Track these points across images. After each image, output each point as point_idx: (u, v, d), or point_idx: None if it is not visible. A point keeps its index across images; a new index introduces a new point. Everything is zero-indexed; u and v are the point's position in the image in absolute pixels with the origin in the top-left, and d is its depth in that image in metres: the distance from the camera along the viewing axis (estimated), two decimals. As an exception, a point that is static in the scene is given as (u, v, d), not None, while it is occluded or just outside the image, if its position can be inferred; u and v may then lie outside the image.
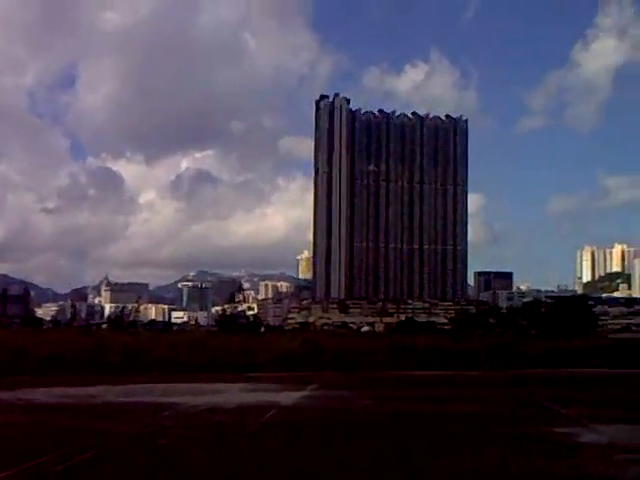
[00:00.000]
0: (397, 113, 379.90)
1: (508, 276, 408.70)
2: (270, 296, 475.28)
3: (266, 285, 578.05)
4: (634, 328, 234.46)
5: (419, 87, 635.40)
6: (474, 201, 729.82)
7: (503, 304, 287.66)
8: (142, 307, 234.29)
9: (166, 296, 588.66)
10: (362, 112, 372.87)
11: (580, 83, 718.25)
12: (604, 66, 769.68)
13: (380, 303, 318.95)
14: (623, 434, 18.31)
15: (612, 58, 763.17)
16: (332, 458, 14.79)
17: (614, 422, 20.77)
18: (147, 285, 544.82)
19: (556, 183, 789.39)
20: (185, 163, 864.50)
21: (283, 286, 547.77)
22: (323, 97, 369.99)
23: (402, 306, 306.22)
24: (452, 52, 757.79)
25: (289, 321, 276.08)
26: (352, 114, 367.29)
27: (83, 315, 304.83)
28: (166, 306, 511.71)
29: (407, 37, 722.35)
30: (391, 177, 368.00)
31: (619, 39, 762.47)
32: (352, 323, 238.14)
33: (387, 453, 15.36)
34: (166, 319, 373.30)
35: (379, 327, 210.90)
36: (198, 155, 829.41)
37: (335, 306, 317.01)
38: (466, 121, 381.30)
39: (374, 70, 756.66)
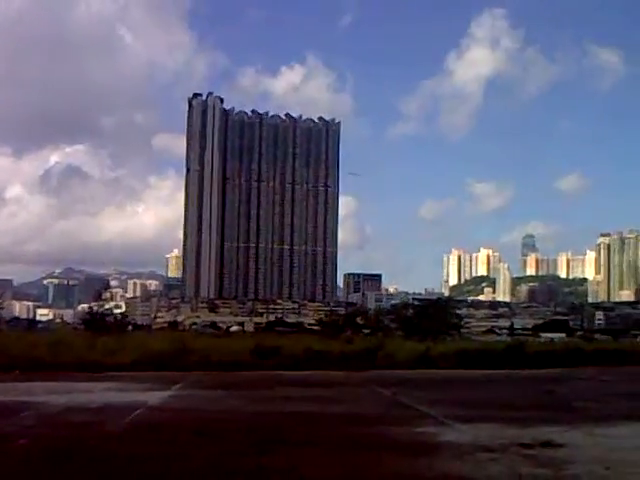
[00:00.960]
0: (271, 114, 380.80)
1: (377, 278, 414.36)
2: (139, 294, 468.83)
3: (135, 283, 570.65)
4: (498, 330, 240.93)
5: (295, 89, 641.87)
6: (346, 204, 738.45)
7: (372, 306, 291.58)
8: (5, 303, 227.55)
9: (31, 293, 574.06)
10: (235, 112, 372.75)
11: (453, 91, 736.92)
12: (476, 75, 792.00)
13: (250, 303, 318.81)
14: (485, 433, 18.69)
15: (484, 68, 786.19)
16: (188, 459, 14.63)
17: (477, 422, 21.19)
18: (11, 281, 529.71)
19: (427, 188, 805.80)
20: (55, 158, 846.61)
21: (152, 285, 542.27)
22: (196, 95, 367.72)
23: (272, 306, 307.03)
24: (328, 56, 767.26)
25: (157, 320, 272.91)
26: (225, 113, 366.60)
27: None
28: (31, 303, 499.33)
29: (284, 39, 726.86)
30: (263, 177, 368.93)
31: (491, 49, 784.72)
32: (221, 323, 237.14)
33: (243, 456, 15.25)
34: (31, 316, 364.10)
35: (249, 327, 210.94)
36: (68, 150, 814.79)
37: (204, 305, 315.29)
38: (339, 124, 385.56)
39: (250, 70, 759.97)
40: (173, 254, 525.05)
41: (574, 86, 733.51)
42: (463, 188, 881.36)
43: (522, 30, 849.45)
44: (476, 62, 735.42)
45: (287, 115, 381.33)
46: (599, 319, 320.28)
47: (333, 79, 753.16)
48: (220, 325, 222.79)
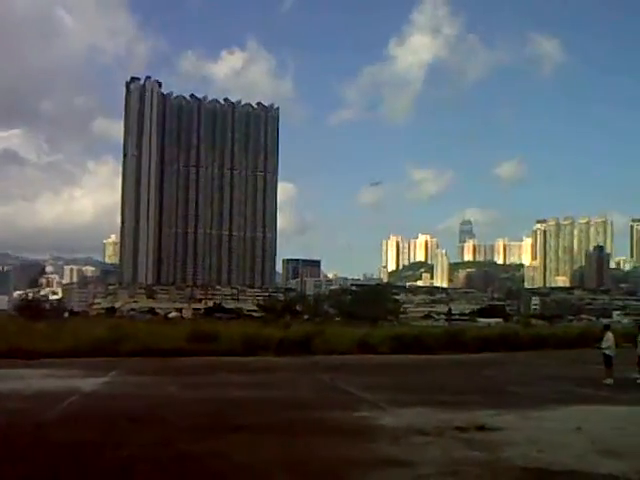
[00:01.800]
0: (209, 98, 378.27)
1: (316, 264, 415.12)
2: (75, 281, 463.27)
3: (71, 269, 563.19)
4: (435, 316, 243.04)
5: (235, 74, 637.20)
6: (286, 190, 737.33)
7: (311, 292, 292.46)
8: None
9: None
10: (173, 96, 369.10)
11: (394, 77, 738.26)
12: (417, 62, 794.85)
13: (189, 289, 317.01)
14: (422, 417, 18.87)
15: (425, 54, 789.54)
16: (122, 446, 14.55)
17: (414, 406, 21.38)
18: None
19: (367, 174, 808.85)
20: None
21: (89, 271, 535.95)
22: (134, 79, 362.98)
23: (211, 292, 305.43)
24: (269, 41, 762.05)
25: (94, 306, 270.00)
26: (163, 98, 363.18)
27: None
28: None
29: (225, 24, 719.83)
30: (201, 163, 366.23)
31: (432, 36, 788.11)
32: (159, 309, 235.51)
33: (177, 442, 15.22)
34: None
35: (187, 313, 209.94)
36: (4, 134, 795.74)
37: (142, 292, 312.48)
38: (277, 109, 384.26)
39: (191, 55, 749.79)
40: (110, 240, 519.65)
41: (514, 73, 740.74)
42: (403, 174, 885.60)
43: (463, 17, 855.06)
44: (417, 48, 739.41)
45: (226, 100, 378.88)
46: (535, 304, 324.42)
47: (274, 64, 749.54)
48: (158, 311, 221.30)
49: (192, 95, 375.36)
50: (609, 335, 32.40)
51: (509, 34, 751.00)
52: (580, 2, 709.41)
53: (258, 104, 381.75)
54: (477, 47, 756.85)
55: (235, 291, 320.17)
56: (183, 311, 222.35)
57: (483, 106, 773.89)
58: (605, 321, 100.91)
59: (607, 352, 31.47)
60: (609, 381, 30.15)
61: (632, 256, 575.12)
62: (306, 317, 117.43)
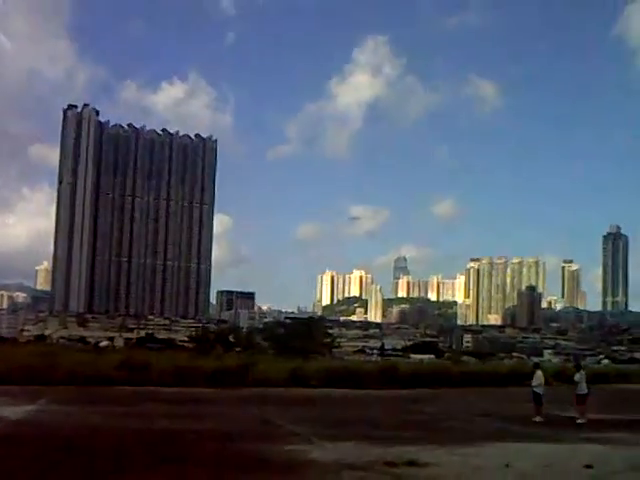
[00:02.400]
0: (147, 128, 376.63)
1: (251, 296, 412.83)
2: (5, 307, 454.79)
3: (2, 295, 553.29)
4: (368, 351, 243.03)
5: (175, 105, 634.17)
6: (223, 222, 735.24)
7: (244, 324, 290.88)
8: None
9: None
10: (111, 125, 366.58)
11: (334, 115, 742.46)
12: (358, 101, 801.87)
13: (120, 318, 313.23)
14: (352, 452, 18.82)
15: (366, 93, 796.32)
16: (45, 475, 14.27)
17: (345, 440, 21.32)
18: None
19: (305, 209, 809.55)
20: None
21: (19, 297, 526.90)
22: (71, 106, 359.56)
23: (143, 322, 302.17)
24: (211, 74, 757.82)
25: (24, 333, 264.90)
26: (100, 126, 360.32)
27: None
28: None
29: (166, 55, 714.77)
30: (137, 192, 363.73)
31: (373, 75, 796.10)
32: (91, 337, 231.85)
33: (99, 474, 14.97)
34: None
35: (119, 342, 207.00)
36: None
37: (73, 320, 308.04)
38: (215, 141, 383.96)
39: (131, 85, 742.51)
40: (42, 266, 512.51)
41: (451, 114, 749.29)
42: (340, 210, 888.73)
43: (403, 57, 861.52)
44: (358, 87, 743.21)
45: (164, 130, 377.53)
46: (467, 341, 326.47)
47: (214, 97, 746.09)
48: (89, 340, 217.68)
49: (130, 124, 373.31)
50: (539, 373, 32.78)
51: (447, 76, 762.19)
52: (517, 47, 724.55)
53: (196, 135, 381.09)
54: (416, 87, 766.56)
55: (168, 321, 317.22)
56: (114, 340, 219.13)
57: (421, 145, 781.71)
58: (535, 360, 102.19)
59: (537, 390, 31.82)
60: (538, 419, 30.45)
61: (563, 296, 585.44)
62: (239, 349, 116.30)
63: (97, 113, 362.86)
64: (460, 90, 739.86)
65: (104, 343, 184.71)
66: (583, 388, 31.27)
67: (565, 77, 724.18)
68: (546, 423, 29.31)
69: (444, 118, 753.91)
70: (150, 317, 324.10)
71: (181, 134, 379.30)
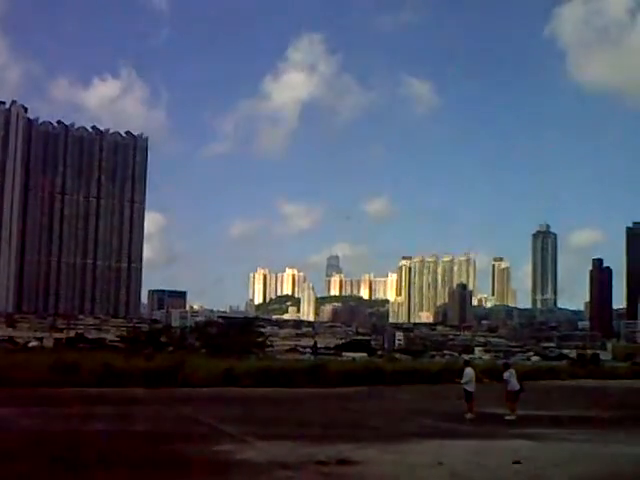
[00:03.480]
0: (77, 126, 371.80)
1: (182, 295, 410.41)
2: None
3: None
4: (301, 349, 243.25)
5: (107, 102, 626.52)
6: (154, 220, 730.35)
7: (176, 323, 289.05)
8: None
9: None
10: (40, 122, 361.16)
11: (269, 113, 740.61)
12: (292, 98, 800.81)
13: (50, 318, 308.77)
14: (283, 451, 18.75)
15: (300, 91, 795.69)
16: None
17: (276, 439, 21.26)
18: None
19: (238, 208, 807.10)
20: None
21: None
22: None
23: (73, 321, 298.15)
24: (144, 70, 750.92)
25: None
26: (29, 123, 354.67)
27: None
28: None
29: (98, 51, 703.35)
30: (67, 190, 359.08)
31: (308, 74, 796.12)
32: (19, 338, 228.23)
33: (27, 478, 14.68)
34: None
35: (48, 342, 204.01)
36: None
37: (2, 319, 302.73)
38: (147, 139, 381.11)
39: (62, 81, 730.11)
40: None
41: (386, 113, 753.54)
42: (273, 208, 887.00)
43: (339, 56, 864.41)
44: (293, 86, 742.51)
45: (94, 128, 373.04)
46: (399, 339, 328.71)
47: (147, 94, 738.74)
48: (18, 340, 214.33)
49: (59, 121, 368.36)
50: (468, 371, 33.06)
51: (383, 75, 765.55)
52: (452, 46, 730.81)
53: (127, 133, 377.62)
54: (351, 86, 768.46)
55: (98, 321, 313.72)
56: (44, 340, 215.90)
57: (355, 144, 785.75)
58: (466, 357, 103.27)
59: (467, 387, 32.11)
60: (470, 416, 30.73)
61: (493, 294, 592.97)
62: (170, 349, 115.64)
63: (25, 110, 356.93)
64: (395, 89, 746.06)
65: (33, 343, 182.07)
66: (514, 385, 31.66)
67: (499, 75, 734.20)
68: (477, 420, 29.59)
69: (379, 117, 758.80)
70: (80, 317, 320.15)
71: (111, 131, 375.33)
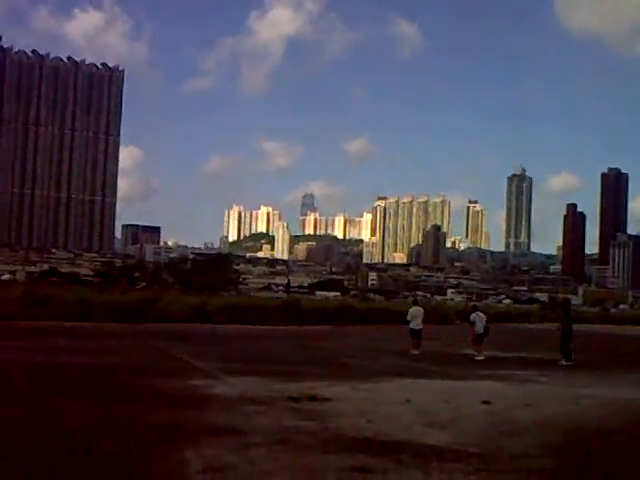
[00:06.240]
0: (52, 56, 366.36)
1: (156, 231, 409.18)
2: None
3: None
4: (275, 287, 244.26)
5: (88, 34, 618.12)
6: (131, 154, 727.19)
7: (150, 259, 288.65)
8: None
9: None
10: (14, 51, 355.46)
11: (253, 50, 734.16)
12: (277, 36, 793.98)
13: (23, 251, 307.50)
14: (255, 386, 18.90)
15: (285, 29, 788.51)
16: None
17: (247, 375, 21.40)
18: None
19: (217, 144, 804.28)
20: None
21: None
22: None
23: (46, 255, 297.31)
24: (127, 3, 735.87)
25: None
26: (3, 51, 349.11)
27: None
28: None
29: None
30: (41, 122, 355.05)
31: (294, 11, 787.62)
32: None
33: None
34: None
35: (21, 276, 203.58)
36: None
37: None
38: (123, 71, 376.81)
39: (42, 10, 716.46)
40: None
41: (371, 54, 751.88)
42: (252, 146, 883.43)
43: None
44: (278, 23, 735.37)
45: (69, 59, 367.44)
46: (373, 279, 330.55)
47: (129, 27, 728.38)
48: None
49: (34, 51, 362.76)
50: (413, 309, 34.54)
51: (369, 14, 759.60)
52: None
53: (103, 65, 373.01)
54: (337, 25, 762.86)
55: (72, 255, 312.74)
56: (17, 274, 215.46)
57: (338, 83, 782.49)
58: (417, 297, 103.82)
59: (411, 325, 33.30)
60: (416, 352, 31.88)
61: (467, 236, 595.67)
62: (144, 284, 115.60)
63: (0, 38, 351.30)
64: (381, 29, 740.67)
65: (6, 276, 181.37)
66: (480, 327, 32.16)
67: (485, 20, 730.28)
68: (446, 360, 29.96)
69: (364, 56, 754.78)
70: (54, 250, 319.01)
71: (87, 62, 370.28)
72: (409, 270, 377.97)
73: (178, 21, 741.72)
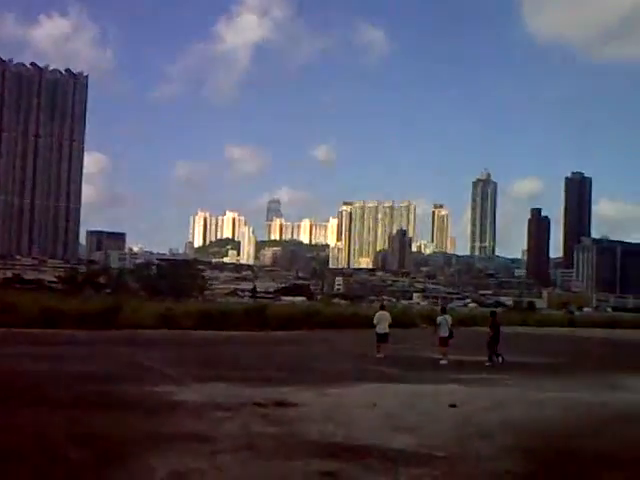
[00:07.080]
0: (15, 62, 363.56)
1: (121, 237, 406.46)
2: None
3: None
4: (240, 293, 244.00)
5: (54, 40, 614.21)
6: (97, 161, 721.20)
7: (115, 265, 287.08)
8: None
9: None
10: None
11: (221, 56, 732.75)
12: (245, 42, 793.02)
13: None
14: (222, 393, 18.87)
15: (253, 35, 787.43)
16: None
17: (214, 381, 21.36)
18: None
19: (183, 150, 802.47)
20: None
21: None
22: None
23: (10, 262, 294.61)
24: (93, 9, 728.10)
25: None
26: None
27: None
28: None
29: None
30: (4, 127, 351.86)
31: (262, 17, 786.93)
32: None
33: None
34: None
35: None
36: None
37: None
38: (87, 77, 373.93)
39: (9, 17, 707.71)
40: None
41: (338, 60, 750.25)
42: (219, 152, 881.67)
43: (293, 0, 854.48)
44: (245, 29, 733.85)
45: (33, 64, 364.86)
46: (339, 284, 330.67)
47: (96, 33, 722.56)
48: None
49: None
50: (379, 314, 34.98)
51: (337, 21, 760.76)
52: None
53: (67, 70, 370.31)
54: (305, 31, 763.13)
55: (36, 262, 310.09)
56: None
57: (306, 89, 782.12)
58: (386, 302, 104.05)
59: (377, 330, 33.72)
60: (379, 355, 32.42)
61: (433, 240, 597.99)
62: (109, 290, 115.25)
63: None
64: (349, 35, 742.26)
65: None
66: (445, 331, 32.33)
67: (452, 25, 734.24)
68: (413, 364, 30.09)
69: (331, 63, 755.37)
70: (17, 257, 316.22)
71: (51, 68, 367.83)
72: (375, 275, 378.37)
73: (145, 27, 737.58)
